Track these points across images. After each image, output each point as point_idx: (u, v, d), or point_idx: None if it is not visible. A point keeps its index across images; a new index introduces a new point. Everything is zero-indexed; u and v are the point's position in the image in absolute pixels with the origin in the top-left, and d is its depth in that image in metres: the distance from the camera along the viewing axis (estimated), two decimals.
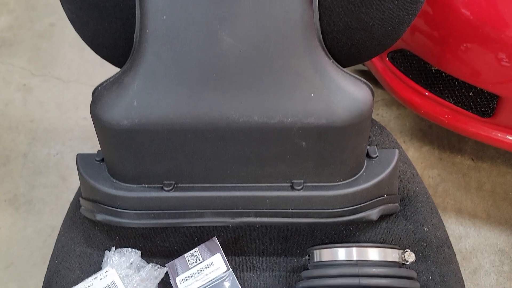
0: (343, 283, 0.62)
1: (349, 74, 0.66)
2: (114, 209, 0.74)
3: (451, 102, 1.14)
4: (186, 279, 0.76)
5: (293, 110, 0.64)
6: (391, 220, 0.80)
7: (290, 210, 0.72)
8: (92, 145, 1.63)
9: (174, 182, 0.73)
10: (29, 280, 1.34)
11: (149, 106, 0.65)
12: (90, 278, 0.74)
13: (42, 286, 0.81)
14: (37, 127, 1.65)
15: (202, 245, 0.79)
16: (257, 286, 0.77)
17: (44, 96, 1.71)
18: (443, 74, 1.14)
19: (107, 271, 0.75)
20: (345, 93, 0.64)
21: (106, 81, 0.68)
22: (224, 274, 0.75)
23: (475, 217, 1.38)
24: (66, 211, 0.96)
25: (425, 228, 0.79)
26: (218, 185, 0.73)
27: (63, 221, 0.89)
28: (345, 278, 0.62)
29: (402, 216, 0.81)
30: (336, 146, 0.67)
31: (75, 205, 0.87)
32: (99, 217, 0.75)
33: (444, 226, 0.83)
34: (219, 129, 0.66)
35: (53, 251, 0.85)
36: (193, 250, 0.78)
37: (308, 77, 0.64)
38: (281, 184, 0.72)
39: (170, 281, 0.77)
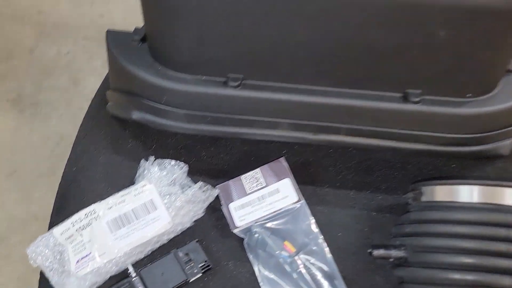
0: (481, 234, 0.45)
1: None
2: (158, 105, 0.55)
3: None
4: (242, 206, 0.59)
5: None
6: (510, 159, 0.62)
7: (397, 131, 0.53)
8: None
9: (242, 76, 0.53)
10: (33, 190, 1.19)
11: None
12: (121, 193, 0.57)
13: (57, 196, 0.64)
14: (46, 20, 1.42)
15: (266, 166, 0.61)
16: (331, 224, 0.60)
17: None
18: None
19: (143, 186, 0.58)
20: None
21: None
22: (294, 206, 0.59)
23: None
24: (77, 119, 0.78)
25: None
26: (302, 86, 0.54)
27: (83, 120, 0.70)
28: (484, 227, 0.45)
29: None
30: (487, 40, 0.47)
31: (99, 100, 0.69)
32: (136, 115, 0.57)
33: None
34: None
35: (70, 157, 0.68)
36: (253, 171, 0.61)
37: None
38: (390, 94, 0.53)
39: (221, 207, 0.61)
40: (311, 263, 0.55)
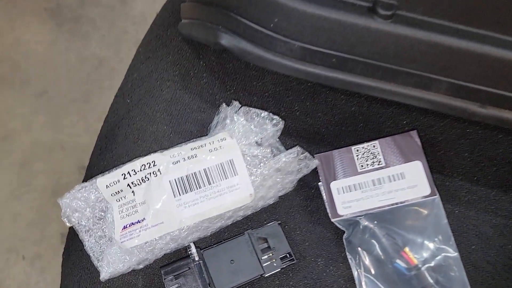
0: None
1: None
2: (263, 30, 0.38)
3: None
4: (349, 189, 0.44)
5: None
6: None
7: None
8: None
9: (396, 2, 0.36)
10: (63, 116, 1.05)
11: None
12: (191, 145, 0.42)
13: (102, 132, 0.49)
14: None
15: (389, 139, 0.44)
16: (463, 231, 0.44)
17: None
18: None
19: (222, 140, 0.42)
20: None
21: None
22: (425, 201, 0.43)
23: None
24: (120, 44, 0.62)
25: None
26: (480, 31, 0.36)
27: (143, 40, 0.54)
28: None
29: None
30: None
31: (168, 15, 0.52)
32: (226, 40, 0.40)
33: None
34: None
35: (122, 84, 0.52)
36: (369, 143, 0.45)
37: None
38: None
39: (319, 184, 0.46)
40: (439, 285, 0.40)
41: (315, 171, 0.45)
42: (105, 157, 0.47)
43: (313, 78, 0.40)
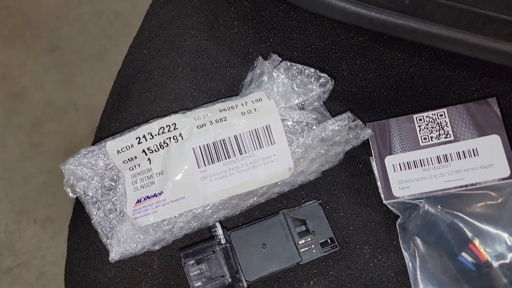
0: None
1: None
2: None
3: None
4: (407, 166, 0.36)
5: None
6: None
7: None
8: None
9: None
10: (76, 74, 0.98)
11: None
12: (219, 105, 0.34)
13: (114, 87, 0.42)
14: None
15: (460, 106, 0.36)
16: None
17: None
18: None
19: (258, 101, 0.35)
20: None
21: None
22: (503, 184, 0.34)
23: None
24: None
25: None
26: None
27: None
28: None
29: None
30: None
31: None
32: None
33: None
34: None
35: (138, 32, 0.44)
36: (434, 111, 0.37)
37: None
38: None
39: (371, 158, 0.38)
40: None
41: (365, 143, 0.38)
42: (117, 117, 0.40)
43: (377, 26, 0.31)
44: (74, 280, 0.38)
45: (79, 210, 0.40)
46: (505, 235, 0.34)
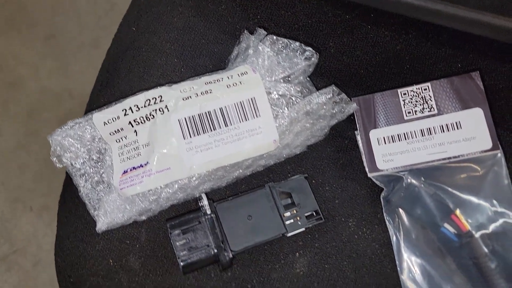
0: None
1: None
2: None
3: None
4: (392, 139, 0.36)
5: None
6: None
7: None
8: None
9: None
10: (72, 62, 0.98)
11: None
12: (205, 79, 0.34)
13: (103, 65, 0.42)
14: None
15: (444, 81, 0.36)
16: None
17: None
18: None
19: (244, 74, 0.35)
20: None
21: None
22: (484, 156, 0.34)
23: None
24: None
25: None
26: None
27: None
28: None
29: None
30: None
31: None
32: None
33: None
34: None
35: (128, 11, 0.45)
36: (418, 85, 0.37)
37: None
38: None
39: (356, 132, 0.38)
40: (496, 255, 0.34)
41: (350, 119, 0.38)
42: (106, 93, 0.40)
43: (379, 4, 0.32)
44: (63, 253, 0.39)
45: (68, 185, 0.41)
46: (486, 205, 0.34)
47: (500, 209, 0.34)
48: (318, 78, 0.40)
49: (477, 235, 0.34)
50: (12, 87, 0.98)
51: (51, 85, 0.99)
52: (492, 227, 0.34)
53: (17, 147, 0.97)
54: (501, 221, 0.34)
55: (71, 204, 0.40)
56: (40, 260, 0.90)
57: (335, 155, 0.39)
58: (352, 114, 0.38)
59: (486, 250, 0.33)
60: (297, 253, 0.37)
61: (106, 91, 0.40)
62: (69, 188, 0.40)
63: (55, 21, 1.02)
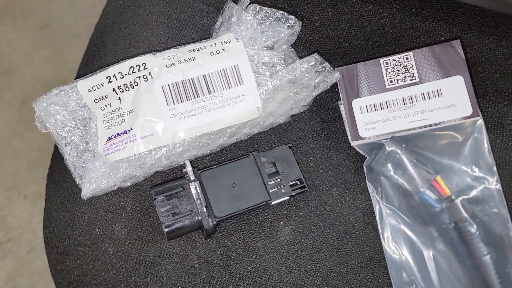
0: None
1: None
2: None
3: None
4: (374, 108, 0.37)
5: None
6: None
7: None
8: None
9: None
10: (66, 51, 0.99)
11: None
12: (189, 47, 0.34)
13: (91, 40, 0.43)
14: None
15: (425, 49, 0.36)
16: (508, 161, 0.37)
17: None
18: None
19: (227, 42, 0.35)
20: None
21: None
22: (464, 123, 0.35)
23: None
24: None
25: None
26: None
27: None
28: None
29: None
30: None
31: None
32: None
33: None
34: None
35: None
36: (400, 54, 0.37)
37: None
38: None
39: (338, 102, 0.39)
40: (475, 220, 0.34)
41: (335, 90, 0.39)
42: (92, 65, 0.41)
43: None
44: (50, 225, 0.39)
45: (56, 158, 0.41)
46: (467, 171, 0.35)
47: (480, 175, 0.35)
48: (303, 51, 0.41)
49: (458, 200, 0.34)
50: (6, 75, 0.98)
51: (45, 73, 1.00)
52: (472, 192, 0.34)
53: (11, 134, 0.97)
54: (481, 186, 0.35)
55: (58, 176, 0.40)
56: (34, 248, 0.90)
57: (319, 126, 0.39)
58: (336, 85, 0.38)
59: (466, 214, 0.34)
60: (282, 222, 0.38)
61: (93, 63, 0.41)
62: (57, 161, 0.40)
63: (50, 10, 1.03)
